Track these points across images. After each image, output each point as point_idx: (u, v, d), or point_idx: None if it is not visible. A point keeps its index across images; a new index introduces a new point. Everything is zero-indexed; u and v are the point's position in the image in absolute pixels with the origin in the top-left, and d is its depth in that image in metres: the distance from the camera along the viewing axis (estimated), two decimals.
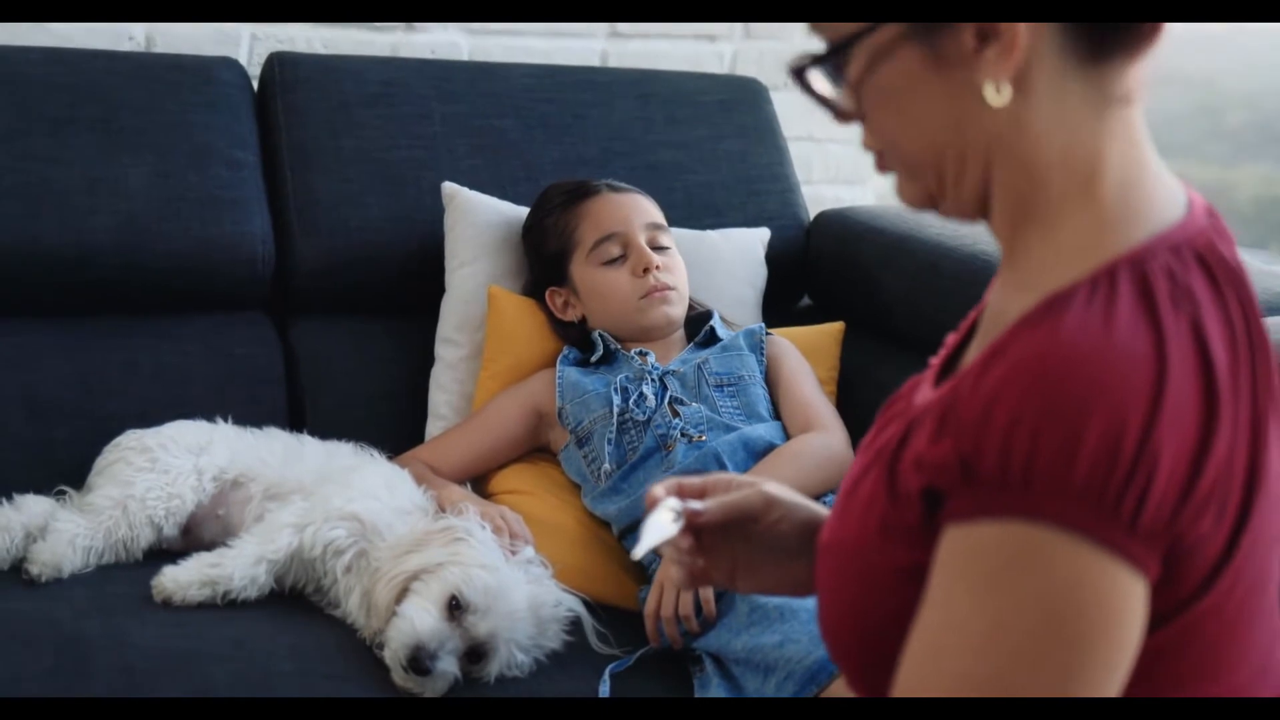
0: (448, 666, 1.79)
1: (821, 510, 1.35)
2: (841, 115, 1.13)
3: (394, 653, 1.80)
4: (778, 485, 1.34)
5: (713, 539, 1.33)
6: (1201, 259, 1.05)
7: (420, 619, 1.80)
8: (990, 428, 0.97)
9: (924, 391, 1.16)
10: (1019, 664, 0.96)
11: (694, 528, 1.31)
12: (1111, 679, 0.98)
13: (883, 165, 1.15)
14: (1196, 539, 0.99)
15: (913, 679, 1.01)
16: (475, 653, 1.82)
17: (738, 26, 3.14)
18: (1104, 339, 0.97)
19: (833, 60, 1.09)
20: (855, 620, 1.13)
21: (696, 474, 1.44)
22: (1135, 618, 0.98)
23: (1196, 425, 0.98)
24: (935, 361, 1.22)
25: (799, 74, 1.11)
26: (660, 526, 1.26)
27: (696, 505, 1.30)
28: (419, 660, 1.78)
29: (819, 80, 1.12)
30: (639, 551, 1.25)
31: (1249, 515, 1.01)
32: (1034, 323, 1.01)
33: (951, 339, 1.23)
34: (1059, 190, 1.07)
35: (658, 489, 1.31)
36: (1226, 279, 1.05)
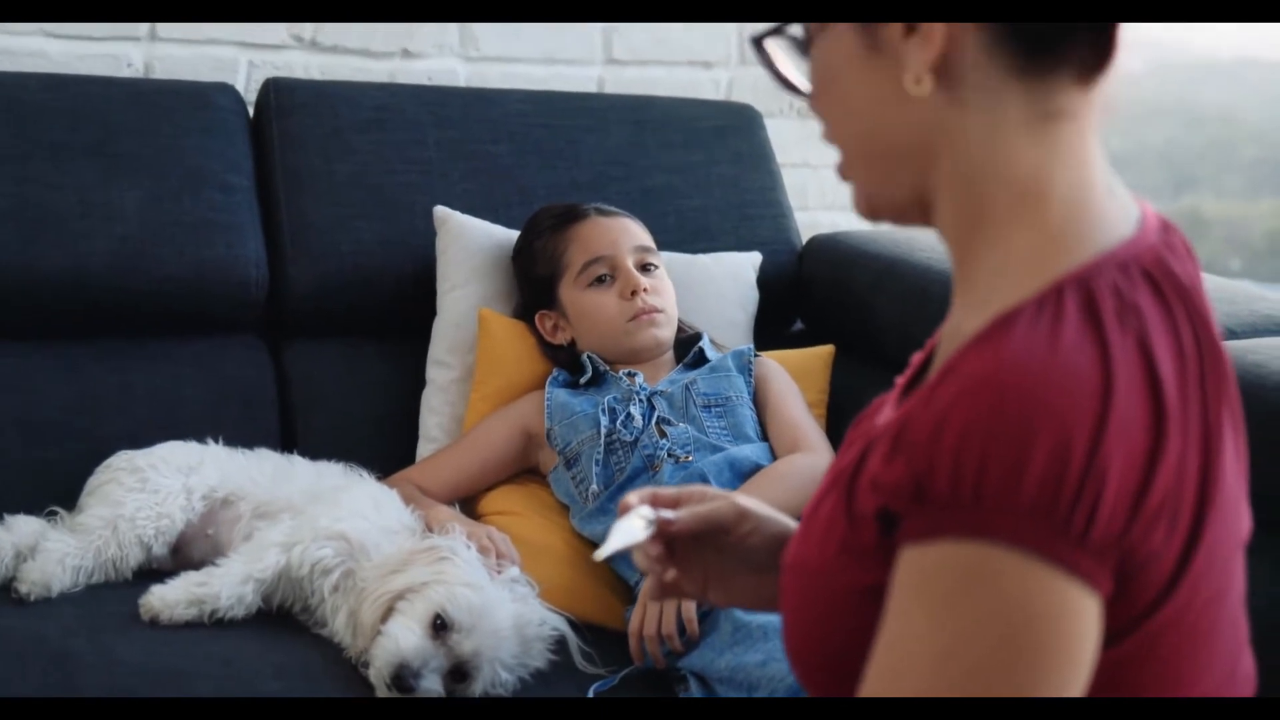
0: (432, 685, 1.80)
1: (794, 525, 1.36)
2: (793, 90, 1.16)
3: (378, 671, 1.81)
4: (751, 499, 1.35)
5: (685, 549, 1.34)
6: (1149, 275, 1.05)
7: (404, 637, 1.81)
8: (940, 448, 0.97)
9: (886, 412, 1.17)
10: (974, 682, 0.96)
11: (666, 537, 1.32)
12: (1066, 695, 0.98)
13: (841, 170, 1.17)
14: (1149, 553, 0.99)
15: (874, 694, 1.01)
16: (459, 671, 1.83)
17: (734, 54, 3.16)
18: (1049, 357, 0.98)
19: (788, 34, 1.13)
20: (817, 640, 1.14)
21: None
22: (1089, 634, 0.98)
23: (1144, 440, 0.98)
24: (900, 381, 1.23)
25: (758, 44, 1.14)
26: (630, 531, 1.27)
27: (669, 514, 1.31)
28: (403, 679, 1.79)
29: (779, 54, 1.14)
30: (603, 552, 1.26)
31: (1203, 528, 1.01)
32: (981, 343, 1.01)
33: (916, 358, 1.23)
34: (1004, 205, 1.07)
35: (631, 497, 1.32)
36: (1175, 294, 1.06)
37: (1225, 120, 3.95)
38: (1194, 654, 1.06)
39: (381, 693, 1.81)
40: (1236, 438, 1.08)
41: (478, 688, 1.83)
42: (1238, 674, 1.13)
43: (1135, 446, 0.97)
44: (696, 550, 1.35)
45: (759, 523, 1.34)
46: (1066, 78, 1.06)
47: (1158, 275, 1.06)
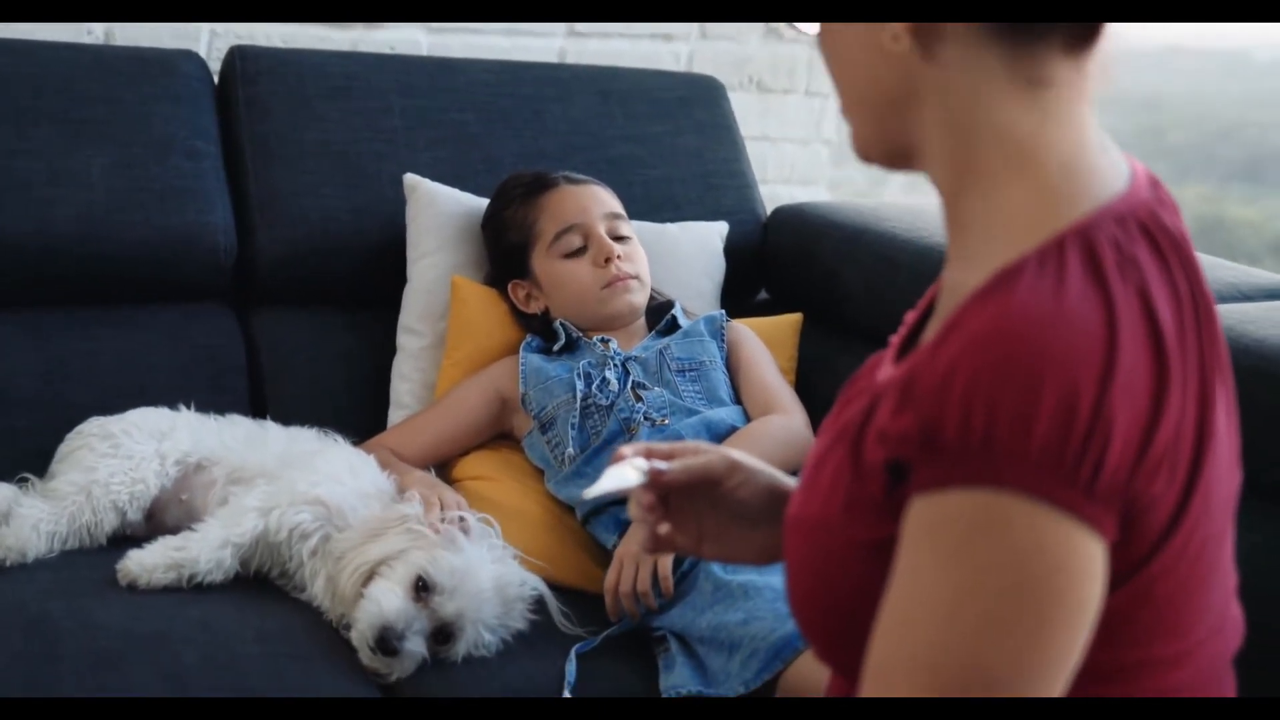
0: (415, 647, 1.81)
1: (785, 479, 1.38)
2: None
3: (361, 634, 1.81)
4: (742, 453, 1.38)
5: (679, 503, 1.37)
6: (1145, 228, 1.07)
7: (387, 600, 1.81)
8: (949, 399, 0.99)
9: (885, 369, 1.19)
10: (987, 629, 0.98)
11: (659, 488, 1.34)
12: (1076, 639, 1.00)
13: (841, 110, 1.19)
14: (1150, 500, 1.01)
15: (884, 649, 1.03)
16: (442, 633, 1.83)
17: (694, 26, 3.17)
18: (1055, 308, 1.00)
19: None
20: (822, 594, 1.15)
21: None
22: (1096, 579, 1.00)
23: (1148, 389, 1.00)
24: (895, 340, 1.24)
25: None
26: (621, 477, 1.30)
27: (661, 465, 1.34)
28: (387, 641, 1.79)
29: None
30: (593, 491, 1.28)
31: (1199, 476, 1.04)
32: (985, 296, 1.03)
33: (910, 316, 1.25)
34: (995, 160, 1.09)
35: (626, 449, 1.34)
36: (1170, 247, 1.08)
37: (1152, 107, 4.00)
38: (1186, 601, 1.08)
39: (365, 656, 1.81)
40: (1226, 391, 1.11)
41: (461, 649, 1.84)
42: (1226, 624, 1.15)
43: (1140, 395, 0.99)
44: (690, 504, 1.37)
45: (749, 475, 1.36)
46: (1053, 47, 1.08)
47: (1153, 228, 1.08)
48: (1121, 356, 0.99)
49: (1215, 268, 2.29)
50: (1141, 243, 1.06)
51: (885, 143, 1.15)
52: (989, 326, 1.00)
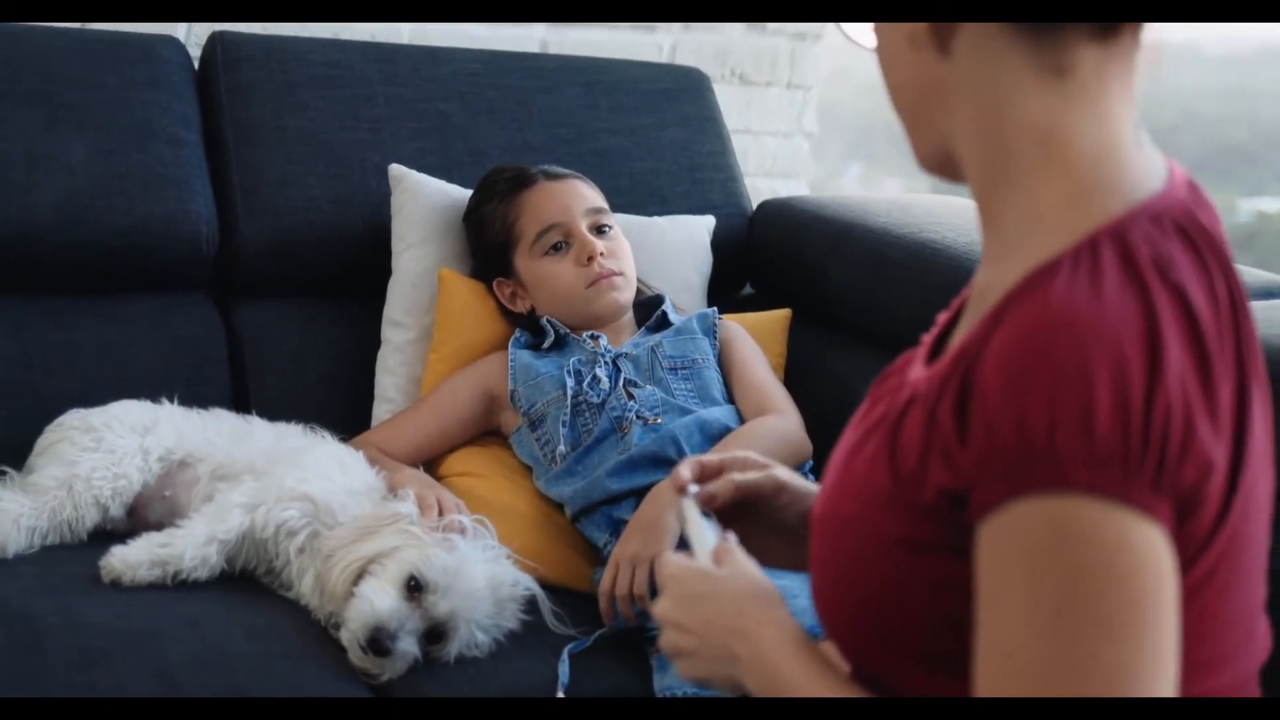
0: (408, 647, 1.78)
1: None
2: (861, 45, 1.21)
3: (353, 634, 1.78)
4: (788, 472, 1.39)
5: (721, 510, 1.37)
6: (1181, 228, 1.06)
7: (379, 599, 1.78)
8: (1001, 407, 0.98)
9: (916, 368, 1.17)
10: (1089, 634, 0.96)
11: (708, 506, 1.35)
12: (1173, 630, 0.98)
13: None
14: (1202, 497, 1.00)
15: (993, 681, 1.00)
16: (435, 633, 1.81)
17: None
18: (1094, 305, 0.98)
19: None
20: (847, 592, 1.14)
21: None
22: (1172, 569, 0.98)
23: (1196, 382, 0.99)
24: (927, 339, 1.23)
25: None
26: (703, 536, 1.29)
27: (711, 488, 1.35)
28: (379, 641, 1.76)
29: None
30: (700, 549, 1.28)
31: (1240, 476, 1.03)
32: (1022, 295, 1.02)
33: (943, 317, 1.24)
34: (1024, 156, 1.08)
35: (684, 472, 1.35)
36: (1207, 247, 1.07)
37: None
38: (1221, 607, 1.07)
39: (355, 656, 1.78)
40: (1262, 395, 1.09)
41: (453, 649, 1.81)
42: (1254, 634, 1.14)
43: (1189, 387, 0.98)
44: (732, 516, 1.37)
45: (795, 495, 1.37)
46: (1078, 35, 1.06)
47: (1189, 228, 1.07)
48: (1167, 349, 0.98)
49: None
50: (1177, 242, 1.05)
51: (933, 150, 1.14)
52: (1030, 328, 0.99)
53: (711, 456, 1.38)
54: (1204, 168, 4.15)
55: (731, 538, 1.28)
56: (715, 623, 1.20)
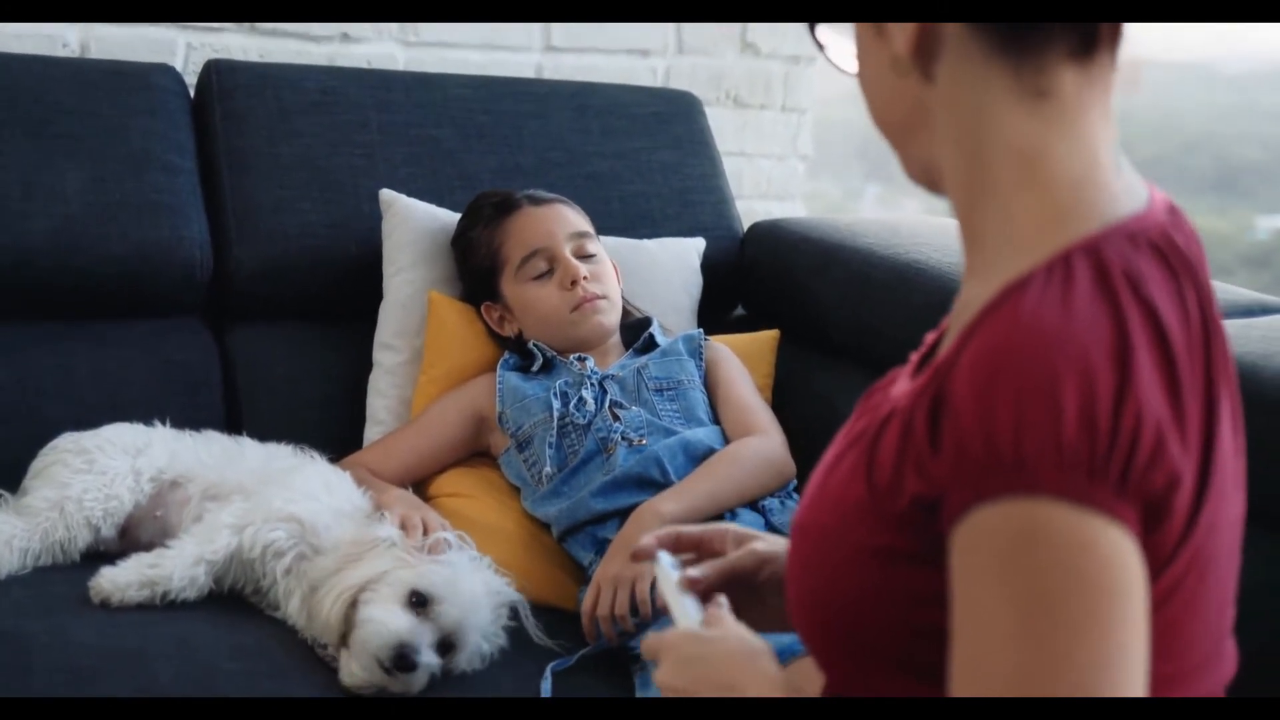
0: (430, 659, 1.80)
1: None
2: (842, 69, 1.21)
3: (371, 656, 1.78)
4: (766, 542, 1.41)
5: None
6: (1156, 247, 1.07)
7: (391, 619, 1.79)
8: (969, 415, 0.99)
9: (901, 384, 1.19)
10: (1060, 634, 0.97)
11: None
12: (1142, 631, 0.99)
13: None
14: (1170, 508, 1.01)
15: (966, 681, 1.01)
16: (445, 644, 1.83)
17: (671, 42, 3.17)
18: (1064, 317, 1.00)
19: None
20: (823, 601, 1.16)
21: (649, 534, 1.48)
22: (1140, 571, 0.99)
23: (1163, 391, 1.00)
24: (914, 356, 1.24)
25: (811, 29, 1.20)
26: (684, 607, 1.31)
27: (695, 573, 1.37)
28: (405, 657, 1.77)
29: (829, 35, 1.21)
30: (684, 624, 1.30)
31: (1207, 490, 1.04)
32: (994, 310, 1.03)
33: (930, 336, 1.25)
34: (1004, 177, 1.09)
35: (660, 553, 1.38)
36: (1182, 266, 1.08)
37: (1120, 119, 4.03)
38: (1188, 621, 1.08)
39: (375, 676, 1.78)
40: (1235, 418, 1.11)
41: (463, 659, 1.84)
42: (1222, 653, 1.15)
43: (1156, 396, 1.00)
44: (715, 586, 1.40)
45: (777, 566, 1.39)
46: (1058, 57, 1.08)
47: (1164, 247, 1.08)
48: (1137, 360, 0.99)
49: None
50: (1152, 260, 1.06)
51: (920, 168, 1.17)
52: (1000, 340, 1.01)
53: (692, 529, 1.41)
54: (1221, 186, 4.15)
55: (723, 600, 1.31)
56: (709, 679, 1.23)
